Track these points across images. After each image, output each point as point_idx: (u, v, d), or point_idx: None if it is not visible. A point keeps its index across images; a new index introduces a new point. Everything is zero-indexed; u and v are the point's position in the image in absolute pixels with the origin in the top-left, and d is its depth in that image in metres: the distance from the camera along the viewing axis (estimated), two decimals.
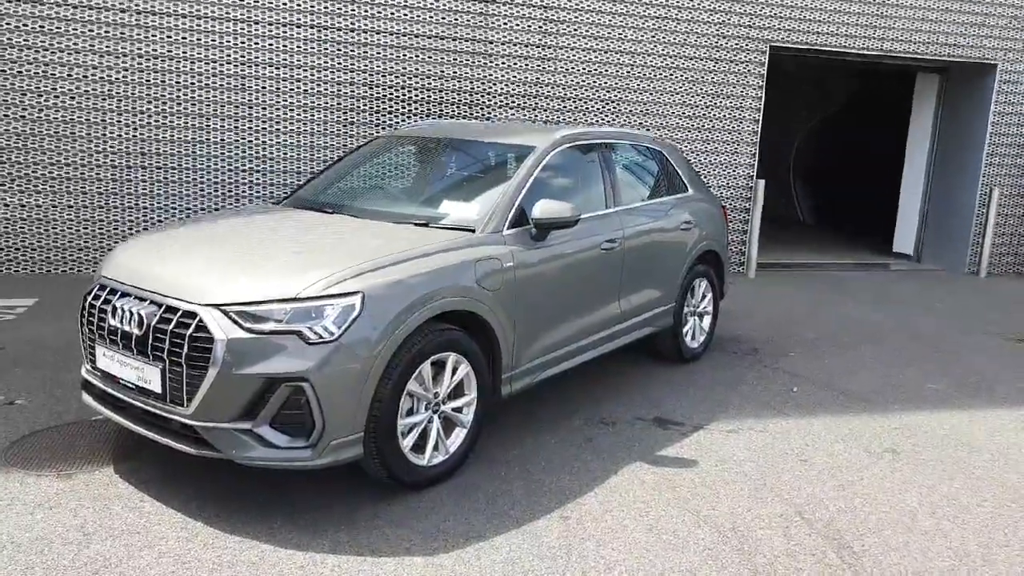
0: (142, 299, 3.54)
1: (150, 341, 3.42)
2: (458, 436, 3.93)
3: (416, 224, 4.22)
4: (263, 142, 8.12)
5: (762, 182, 9.52)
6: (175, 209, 8.03)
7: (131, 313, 3.49)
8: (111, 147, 7.78)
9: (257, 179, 8.17)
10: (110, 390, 3.70)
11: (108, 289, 3.73)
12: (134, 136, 7.80)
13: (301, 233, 4.22)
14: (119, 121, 7.75)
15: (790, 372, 5.95)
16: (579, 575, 3.18)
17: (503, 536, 3.43)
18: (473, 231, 4.12)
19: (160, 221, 8.01)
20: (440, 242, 3.93)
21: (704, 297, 6.11)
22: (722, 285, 6.35)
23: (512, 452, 4.27)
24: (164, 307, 3.44)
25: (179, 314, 3.38)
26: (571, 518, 3.61)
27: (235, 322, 3.29)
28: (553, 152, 4.71)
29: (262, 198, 8.21)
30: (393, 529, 3.45)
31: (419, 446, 3.74)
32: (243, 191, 8.16)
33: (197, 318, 3.32)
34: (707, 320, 6.19)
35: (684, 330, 5.89)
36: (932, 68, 10.83)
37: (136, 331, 3.46)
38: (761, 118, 9.60)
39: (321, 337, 3.30)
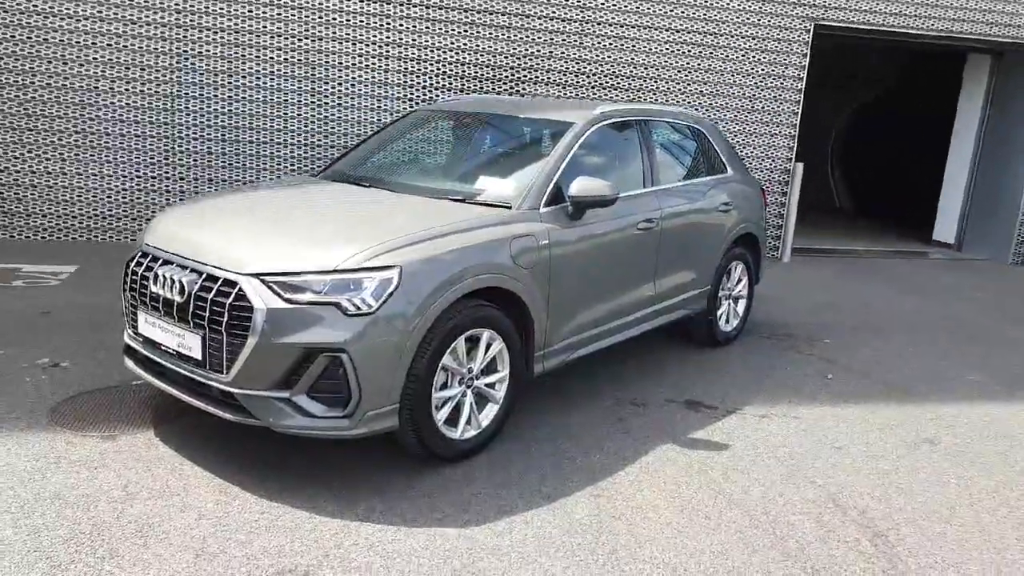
0: (183, 267, 3.59)
1: (191, 308, 3.48)
2: (490, 411, 3.96)
3: (452, 200, 4.22)
4: (302, 115, 8.16)
5: (800, 165, 9.38)
6: (214, 180, 8.12)
7: (172, 280, 3.54)
8: (152, 118, 7.87)
9: (294, 152, 8.22)
10: (151, 355, 3.77)
11: (150, 256, 3.79)
12: (174, 108, 7.88)
13: (339, 206, 4.24)
14: (157, 92, 7.83)
15: (825, 359, 5.89)
16: (609, 552, 3.19)
17: (534, 511, 3.46)
18: (509, 208, 4.11)
19: (199, 191, 8.10)
20: (476, 218, 3.93)
21: (739, 281, 6.06)
22: (758, 269, 6.29)
23: (543, 429, 4.29)
24: (205, 275, 3.49)
25: (219, 282, 3.43)
26: (602, 496, 3.63)
27: (275, 292, 3.33)
28: (592, 129, 4.67)
29: (298, 170, 8.27)
30: (426, 499, 3.50)
31: (452, 420, 3.78)
32: (280, 164, 8.22)
33: (237, 287, 3.37)
34: (742, 304, 6.14)
35: (718, 313, 5.85)
36: (985, 50, 10.54)
37: (177, 298, 3.52)
38: (802, 99, 9.43)
39: (359, 309, 3.33)
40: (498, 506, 3.48)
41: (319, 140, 8.26)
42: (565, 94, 8.75)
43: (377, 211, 4.08)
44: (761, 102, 9.32)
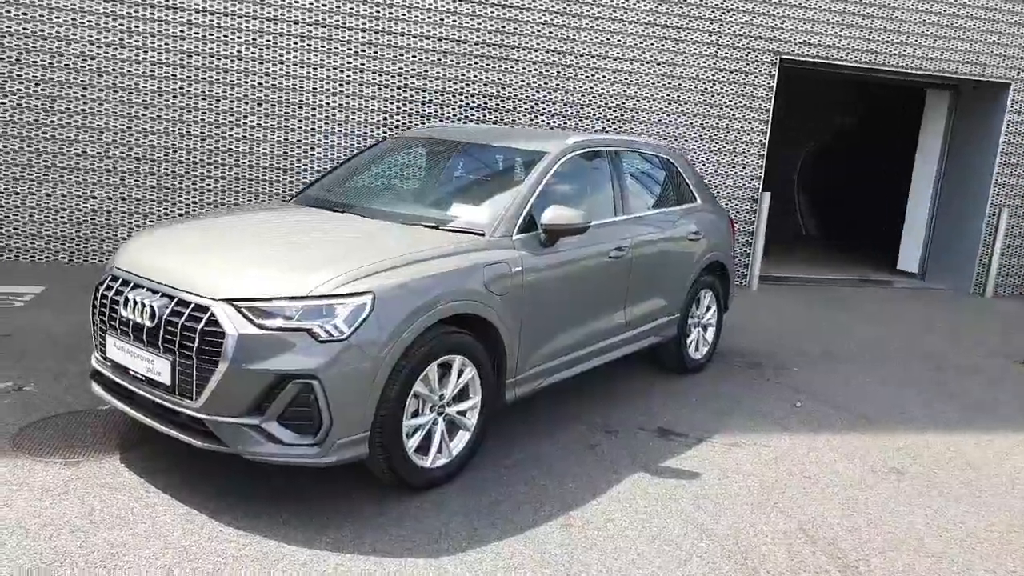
0: (154, 291, 3.55)
1: (161, 333, 3.44)
2: (461, 439, 3.95)
3: (426, 226, 4.23)
4: (275, 139, 8.14)
5: (768, 195, 9.53)
6: (183, 203, 8.05)
7: (143, 305, 3.50)
8: (122, 140, 7.80)
9: (265, 175, 8.18)
10: (120, 380, 3.72)
11: (120, 280, 3.75)
12: (146, 130, 7.82)
13: (312, 231, 4.23)
14: (130, 114, 7.77)
15: (793, 387, 5.96)
16: None
17: (505, 541, 3.44)
18: (483, 235, 4.13)
19: (169, 215, 8.03)
20: (450, 245, 3.95)
21: (709, 309, 6.13)
22: (727, 297, 6.36)
23: (515, 457, 4.28)
24: (176, 300, 3.46)
25: (191, 307, 3.40)
26: (573, 526, 3.63)
27: (246, 317, 3.30)
28: (564, 158, 4.72)
29: (271, 195, 8.23)
30: (396, 528, 3.47)
31: (423, 447, 3.76)
32: (254, 188, 8.18)
33: (209, 312, 3.34)
34: (711, 332, 6.20)
35: (688, 341, 5.90)
36: (943, 85, 10.84)
37: (148, 323, 3.48)
38: (769, 130, 9.61)
39: (331, 335, 3.32)
40: (469, 536, 3.46)
41: (291, 164, 8.23)
42: (536, 123, 8.82)
43: (350, 237, 4.07)
44: (730, 132, 9.48)
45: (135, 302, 3.55)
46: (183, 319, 3.38)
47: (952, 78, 10.30)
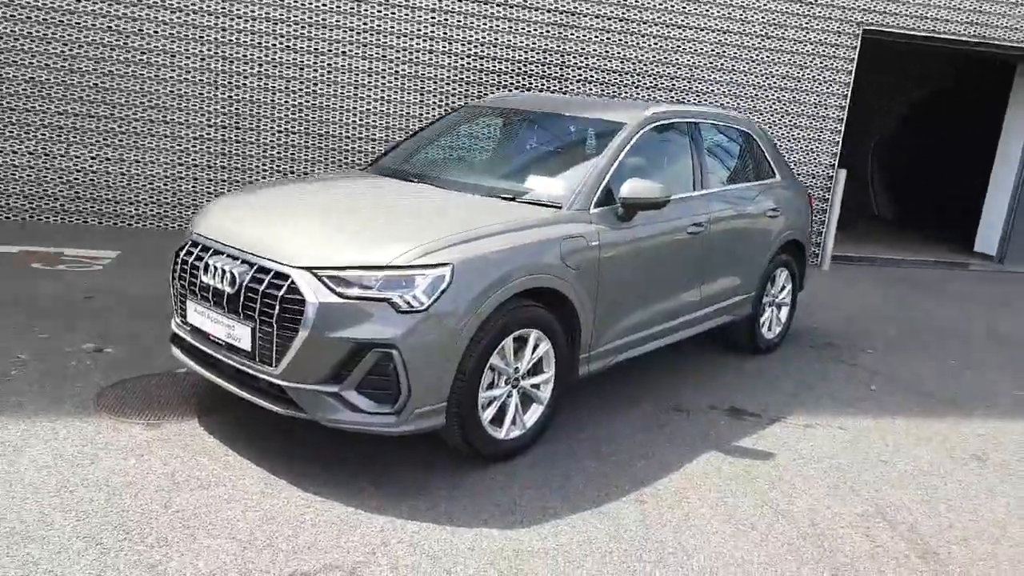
0: (234, 258, 3.59)
1: (241, 300, 3.48)
2: (535, 412, 3.93)
3: (502, 198, 4.19)
4: (344, 107, 8.17)
5: (843, 172, 9.24)
6: (255, 170, 8.16)
7: (223, 271, 3.55)
8: (195, 106, 7.92)
9: (335, 144, 8.24)
10: (199, 345, 3.78)
11: (200, 246, 3.80)
12: (217, 96, 7.93)
13: (389, 201, 4.22)
14: (202, 80, 7.88)
15: (868, 369, 5.80)
16: (656, 560, 3.15)
17: (579, 515, 3.43)
18: (559, 208, 4.08)
19: (239, 181, 8.15)
20: (527, 218, 3.90)
21: (784, 288, 5.98)
22: (802, 277, 6.20)
23: (586, 432, 4.25)
24: (256, 267, 3.49)
25: (271, 275, 3.42)
26: (647, 503, 3.59)
27: (327, 286, 3.32)
28: (643, 130, 4.62)
29: (340, 164, 8.28)
30: (470, 499, 3.47)
31: (497, 419, 3.75)
32: (324, 156, 8.25)
33: (289, 280, 3.36)
34: (784, 311, 6.05)
35: (762, 320, 5.77)
36: None
37: (228, 289, 3.52)
38: (848, 105, 9.29)
39: (411, 306, 3.31)
40: (543, 509, 3.45)
41: (361, 133, 8.26)
42: (604, 93, 8.68)
43: (428, 208, 4.06)
44: (805, 107, 9.20)
45: (215, 268, 3.59)
46: (263, 286, 3.41)
47: None
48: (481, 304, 3.47)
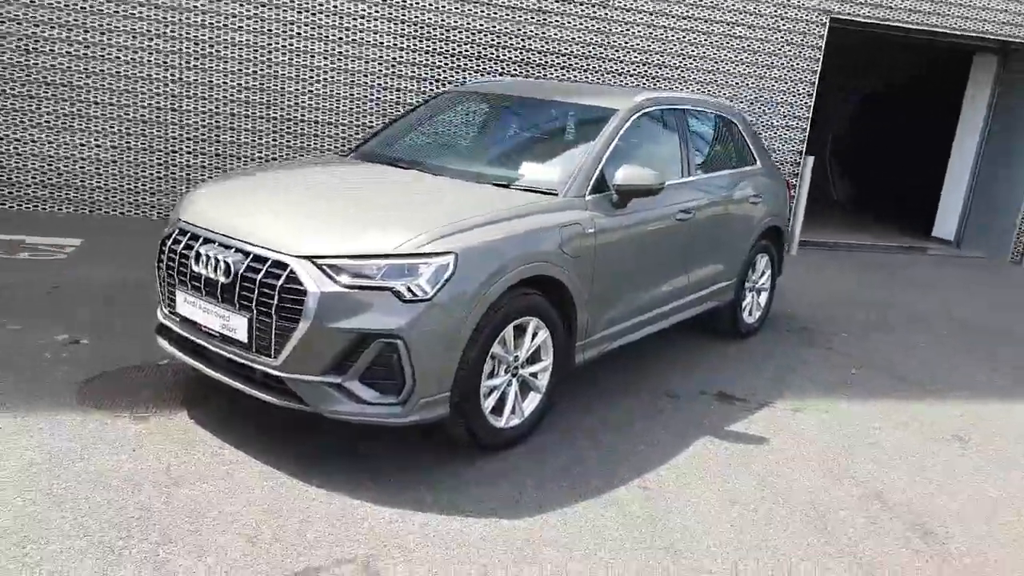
0: (227, 246, 3.48)
1: (237, 290, 3.38)
2: (532, 401, 3.91)
3: (496, 184, 4.14)
4: (314, 92, 8.01)
5: (811, 159, 9.37)
6: (222, 156, 7.95)
7: (217, 260, 3.44)
8: (159, 89, 7.68)
9: (305, 130, 8.07)
10: (190, 336, 3.67)
11: (189, 234, 3.67)
12: (183, 80, 7.70)
13: (383, 188, 4.15)
14: (165, 63, 7.64)
15: (843, 352, 5.90)
16: (667, 546, 3.16)
17: (585, 503, 3.42)
18: (555, 194, 4.04)
19: (206, 167, 7.93)
20: (525, 205, 3.86)
21: (764, 273, 6.04)
22: (780, 262, 6.28)
23: (582, 420, 4.24)
24: (251, 256, 3.39)
25: (268, 264, 3.33)
26: (651, 489, 3.60)
27: (328, 275, 3.24)
28: (633, 116, 4.60)
29: (313, 150, 8.12)
30: (474, 489, 3.44)
31: (497, 409, 3.72)
32: (292, 142, 8.07)
33: (288, 269, 3.27)
34: (764, 296, 6.12)
35: (743, 305, 5.82)
36: (992, 49, 10.57)
37: (222, 279, 3.41)
38: (815, 93, 9.41)
39: (415, 295, 3.25)
40: (549, 497, 3.44)
41: (330, 118, 8.10)
42: (571, 78, 8.64)
43: (424, 195, 3.99)
44: (773, 94, 9.29)
45: (208, 257, 3.48)
46: (260, 275, 3.32)
47: (1000, 41, 10.03)
48: (484, 293, 3.43)
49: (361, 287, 3.24)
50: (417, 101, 8.05)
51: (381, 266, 3.27)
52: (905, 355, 6.01)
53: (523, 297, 3.67)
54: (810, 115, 9.48)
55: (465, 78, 8.23)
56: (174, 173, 7.90)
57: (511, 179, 4.22)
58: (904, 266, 9.75)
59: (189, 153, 7.89)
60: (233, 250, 3.45)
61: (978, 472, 4.14)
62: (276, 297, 3.27)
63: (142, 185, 7.86)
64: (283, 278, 3.27)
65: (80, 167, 7.70)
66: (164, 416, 3.82)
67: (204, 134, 7.88)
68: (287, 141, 8.08)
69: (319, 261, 3.27)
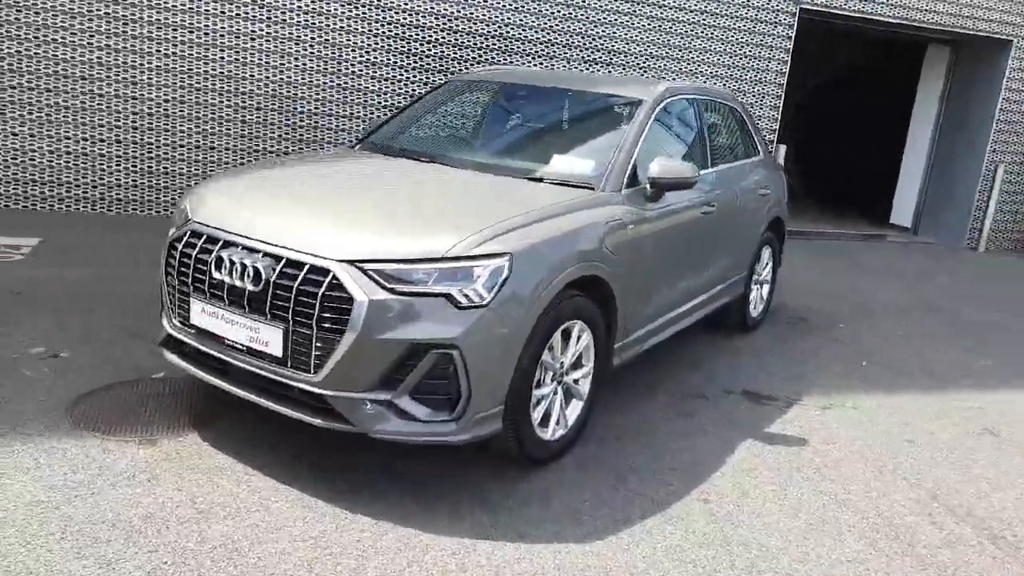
0: (253, 250, 3.12)
1: (269, 299, 3.03)
2: (575, 408, 3.67)
3: (529, 179, 3.88)
4: (291, 80, 7.55)
5: (783, 147, 9.35)
6: (185, 147, 7.43)
7: (243, 266, 3.08)
8: (119, 77, 7.11)
9: (276, 119, 7.61)
10: (208, 350, 3.29)
11: (205, 237, 3.29)
12: (142, 67, 7.14)
13: (414, 184, 3.80)
14: (126, 48, 7.08)
15: (847, 344, 5.84)
16: (749, 566, 2.97)
17: (650, 520, 3.20)
18: (592, 189, 3.80)
19: (170, 160, 7.39)
20: (571, 201, 3.60)
21: (767, 265, 5.93)
22: (780, 253, 6.18)
23: (618, 427, 4.02)
24: (284, 260, 3.05)
25: (305, 269, 2.99)
26: (711, 501, 3.40)
27: (376, 281, 2.92)
28: (659, 106, 4.39)
29: (295, 141, 7.66)
30: (528, 510, 3.18)
31: (543, 420, 3.46)
32: (263, 132, 7.59)
33: (330, 275, 2.95)
34: (766, 288, 6.02)
35: (750, 298, 5.70)
36: (945, 40, 10.76)
37: (251, 287, 3.06)
38: (785, 82, 9.39)
39: (471, 301, 2.97)
40: (609, 515, 3.20)
41: (318, 108, 7.66)
42: (546, 67, 8.39)
43: (459, 190, 3.69)
44: (745, 83, 9.22)
45: (232, 263, 3.12)
46: (297, 283, 2.98)
47: (954, 32, 10.20)
48: (539, 295, 3.16)
49: (413, 293, 2.94)
50: (413, 93, 7.69)
51: (433, 270, 2.97)
52: (900, 345, 5.98)
53: (571, 299, 3.42)
54: (781, 104, 9.47)
55: (457, 68, 7.90)
56: (136, 166, 7.34)
57: (543, 173, 3.95)
58: (867, 252, 9.89)
59: (150, 144, 7.34)
60: (261, 254, 3.10)
61: (1021, 467, 4.08)
62: (317, 306, 2.94)
63: (100, 179, 7.28)
64: (325, 285, 2.94)
65: (36, 160, 7.07)
66: (174, 439, 3.44)
67: (167, 124, 7.34)
68: (257, 132, 7.60)
69: (364, 266, 2.95)
